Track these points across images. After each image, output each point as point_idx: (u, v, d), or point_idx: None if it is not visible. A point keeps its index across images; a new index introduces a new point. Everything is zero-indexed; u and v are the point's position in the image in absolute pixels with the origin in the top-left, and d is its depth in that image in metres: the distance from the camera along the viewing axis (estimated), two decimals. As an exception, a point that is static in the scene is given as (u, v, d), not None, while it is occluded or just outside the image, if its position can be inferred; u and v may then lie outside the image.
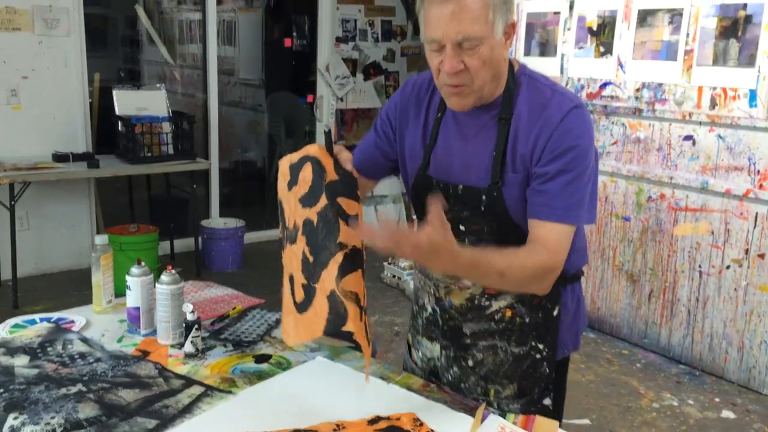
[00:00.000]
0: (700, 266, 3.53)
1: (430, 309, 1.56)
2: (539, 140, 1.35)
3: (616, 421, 3.06)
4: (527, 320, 1.48)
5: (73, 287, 4.39)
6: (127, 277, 1.67)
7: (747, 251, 3.33)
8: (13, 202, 3.98)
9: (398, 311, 4.20)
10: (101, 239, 1.79)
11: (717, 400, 3.28)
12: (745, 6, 3.22)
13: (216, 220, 5.14)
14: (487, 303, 1.48)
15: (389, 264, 4.69)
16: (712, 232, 3.46)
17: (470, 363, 1.52)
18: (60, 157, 4.29)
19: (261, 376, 1.49)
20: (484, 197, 1.40)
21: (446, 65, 1.30)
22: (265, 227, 5.65)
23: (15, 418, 1.28)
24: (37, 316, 1.78)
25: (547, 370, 1.53)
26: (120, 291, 1.76)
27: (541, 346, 1.51)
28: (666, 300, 3.71)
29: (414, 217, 1.54)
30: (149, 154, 4.37)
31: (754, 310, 3.33)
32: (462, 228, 1.44)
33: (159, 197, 5.21)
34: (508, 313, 1.48)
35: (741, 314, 3.38)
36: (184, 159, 4.49)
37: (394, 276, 4.63)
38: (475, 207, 1.42)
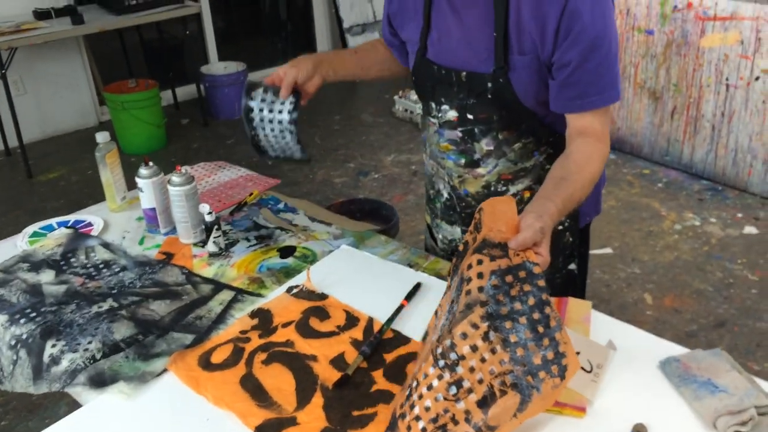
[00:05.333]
0: (727, 79, 3.37)
1: (446, 195, 1.50)
2: (548, 17, 1.16)
3: (638, 247, 3.09)
4: None
5: (82, 149, 4.33)
6: (137, 179, 1.60)
7: (779, 61, 3.14)
8: (3, 71, 3.80)
9: (414, 148, 4.13)
10: (102, 136, 1.70)
11: (739, 215, 3.29)
12: None
13: (216, 65, 4.92)
14: (504, 188, 1.41)
15: (400, 97, 4.54)
16: (742, 42, 3.25)
17: None
18: (41, 14, 4.05)
19: (288, 273, 1.47)
20: (489, 84, 1.27)
21: None
22: (268, 65, 5.42)
23: (53, 346, 1.28)
24: (54, 221, 1.74)
25: (571, 239, 1.50)
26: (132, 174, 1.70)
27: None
28: (689, 116, 3.59)
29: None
30: (134, 2, 4.09)
31: (783, 122, 3.22)
32: (470, 117, 1.34)
33: (153, 45, 4.95)
34: (527, 194, 1.41)
35: (768, 127, 3.28)
36: (171, 3, 4.20)
37: (405, 110, 4.50)
38: (481, 94, 1.29)
